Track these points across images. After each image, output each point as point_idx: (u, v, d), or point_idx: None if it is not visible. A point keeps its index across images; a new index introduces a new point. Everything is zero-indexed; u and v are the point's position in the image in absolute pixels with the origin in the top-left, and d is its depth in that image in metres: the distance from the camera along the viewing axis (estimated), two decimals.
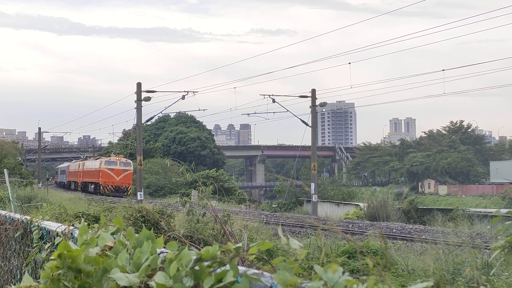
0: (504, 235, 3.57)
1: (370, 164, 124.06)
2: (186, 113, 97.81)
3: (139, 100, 40.31)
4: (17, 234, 5.26)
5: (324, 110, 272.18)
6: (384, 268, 1.62)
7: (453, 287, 8.84)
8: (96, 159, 69.11)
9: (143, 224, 11.40)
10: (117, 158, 62.51)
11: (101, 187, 60.15)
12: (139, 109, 40.36)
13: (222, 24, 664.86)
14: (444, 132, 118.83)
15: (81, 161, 76.35)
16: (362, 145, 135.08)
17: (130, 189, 60.57)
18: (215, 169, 79.02)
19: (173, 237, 7.92)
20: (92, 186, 63.04)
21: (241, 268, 1.66)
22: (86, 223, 2.64)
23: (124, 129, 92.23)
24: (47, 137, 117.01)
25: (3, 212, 6.38)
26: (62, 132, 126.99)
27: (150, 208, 13.74)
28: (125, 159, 63.59)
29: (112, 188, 60.23)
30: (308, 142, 43.72)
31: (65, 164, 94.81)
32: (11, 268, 5.52)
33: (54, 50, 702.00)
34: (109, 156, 67.31)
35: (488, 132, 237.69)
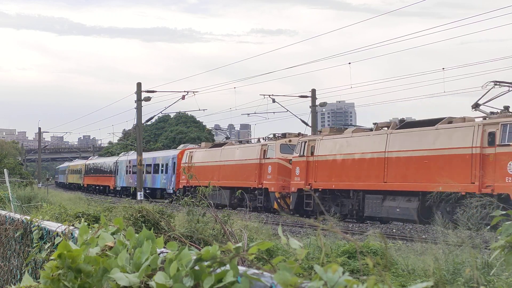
0: (504, 235, 3.57)
1: None
2: (186, 113, 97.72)
3: (139, 100, 40.32)
4: (17, 234, 5.26)
5: (324, 110, 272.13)
6: (384, 268, 1.62)
7: (453, 287, 8.85)
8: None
9: (143, 224, 11.40)
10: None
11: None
12: (139, 109, 40.38)
13: (222, 24, 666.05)
14: None
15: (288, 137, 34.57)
16: None
17: None
18: None
19: (173, 237, 7.93)
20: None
21: (241, 268, 1.66)
22: (86, 223, 2.64)
23: (124, 129, 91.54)
24: (47, 137, 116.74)
25: (3, 212, 6.38)
26: (62, 132, 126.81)
27: (150, 208, 13.74)
28: None
29: None
30: None
31: (171, 150, 52.04)
32: (11, 268, 5.52)
33: (54, 50, 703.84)
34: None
35: None
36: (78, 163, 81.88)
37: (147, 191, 46.52)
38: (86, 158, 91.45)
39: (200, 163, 39.97)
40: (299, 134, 33.49)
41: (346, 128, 29.11)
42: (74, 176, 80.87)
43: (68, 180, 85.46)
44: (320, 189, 28.24)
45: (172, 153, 47.99)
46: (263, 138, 36.14)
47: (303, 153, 29.67)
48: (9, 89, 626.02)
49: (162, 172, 47.61)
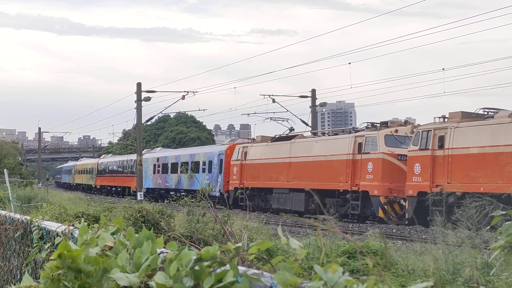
0: (504, 235, 3.57)
1: None
2: (186, 113, 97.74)
3: (139, 100, 40.35)
4: (17, 234, 5.26)
5: (324, 110, 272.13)
6: (384, 268, 1.62)
7: (452, 287, 8.85)
8: None
9: (143, 224, 11.40)
10: None
11: None
12: (139, 109, 40.41)
13: (222, 24, 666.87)
14: None
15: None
16: None
17: None
18: None
19: (173, 237, 7.93)
20: None
21: (241, 268, 1.66)
22: (86, 223, 2.64)
23: (124, 129, 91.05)
24: (47, 137, 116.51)
25: (3, 212, 6.38)
26: (62, 132, 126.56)
27: (150, 208, 13.74)
28: None
29: None
30: None
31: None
32: (11, 268, 5.52)
33: (54, 50, 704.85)
34: None
35: None
36: (88, 162, 75.11)
37: (182, 193, 37.82)
38: (86, 158, 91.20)
39: (258, 160, 33.60)
40: (405, 123, 27.50)
41: (488, 113, 23.03)
42: (83, 177, 73.63)
43: (76, 181, 78.52)
44: (457, 193, 21.41)
45: (217, 148, 41.13)
46: (352, 128, 29.98)
47: (427, 146, 23.29)
48: (9, 89, 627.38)
49: (204, 172, 39.66)
